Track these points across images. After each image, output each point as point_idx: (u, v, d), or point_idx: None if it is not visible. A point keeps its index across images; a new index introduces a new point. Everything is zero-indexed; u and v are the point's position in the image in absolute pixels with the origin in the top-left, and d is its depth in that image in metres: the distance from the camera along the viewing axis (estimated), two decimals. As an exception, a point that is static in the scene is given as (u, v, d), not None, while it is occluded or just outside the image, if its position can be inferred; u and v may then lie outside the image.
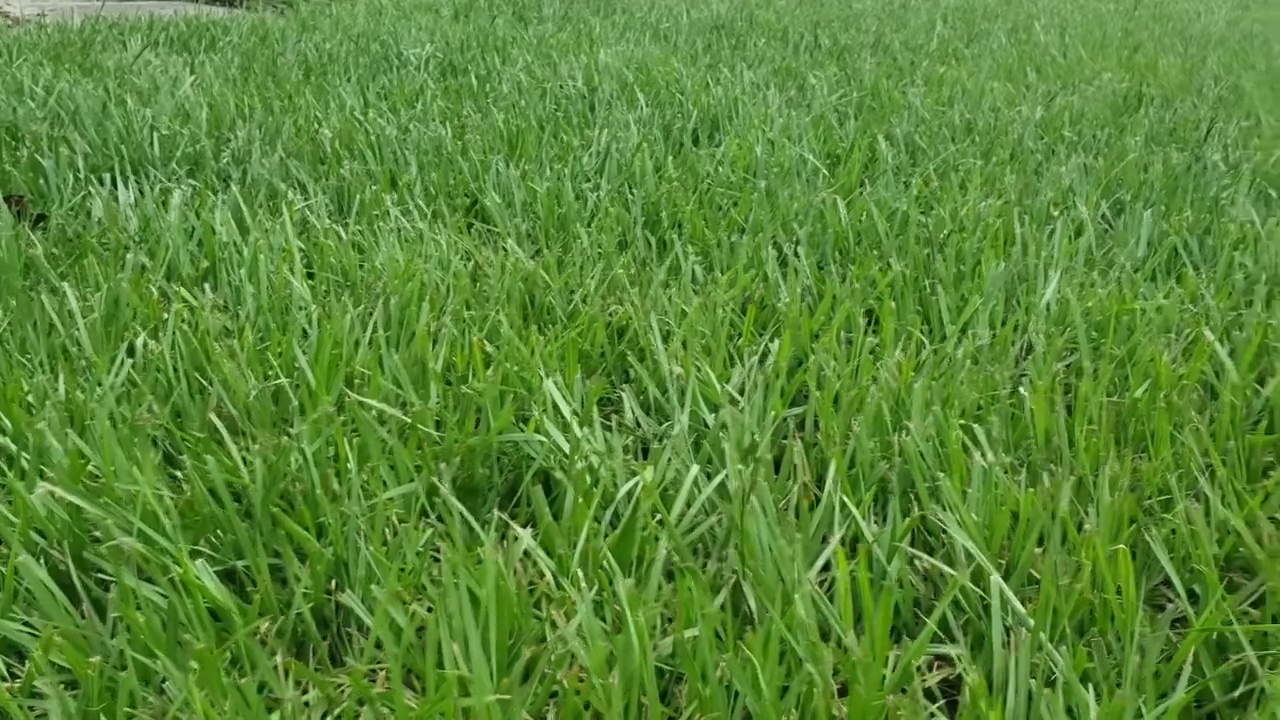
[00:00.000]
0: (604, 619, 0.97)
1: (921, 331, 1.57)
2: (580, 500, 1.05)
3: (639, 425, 1.35)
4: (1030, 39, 4.82)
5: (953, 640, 1.00)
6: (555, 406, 1.25)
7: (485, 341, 1.44)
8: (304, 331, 1.49)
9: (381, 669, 0.96)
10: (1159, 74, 3.86)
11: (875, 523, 1.12)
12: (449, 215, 1.97)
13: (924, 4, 6.18)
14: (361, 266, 1.70)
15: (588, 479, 1.13)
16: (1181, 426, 1.24)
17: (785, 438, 1.30)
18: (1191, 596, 1.05)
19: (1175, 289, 1.69)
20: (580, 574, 0.98)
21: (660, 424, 1.34)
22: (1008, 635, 0.95)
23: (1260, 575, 1.04)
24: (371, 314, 1.48)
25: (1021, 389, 1.31)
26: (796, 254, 1.77)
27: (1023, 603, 1.01)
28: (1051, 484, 1.10)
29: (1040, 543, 1.06)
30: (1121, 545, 0.96)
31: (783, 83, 3.37)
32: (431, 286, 1.58)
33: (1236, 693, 0.95)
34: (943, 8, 6.11)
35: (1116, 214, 2.16)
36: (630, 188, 2.16)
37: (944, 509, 1.08)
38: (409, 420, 1.19)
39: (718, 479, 1.14)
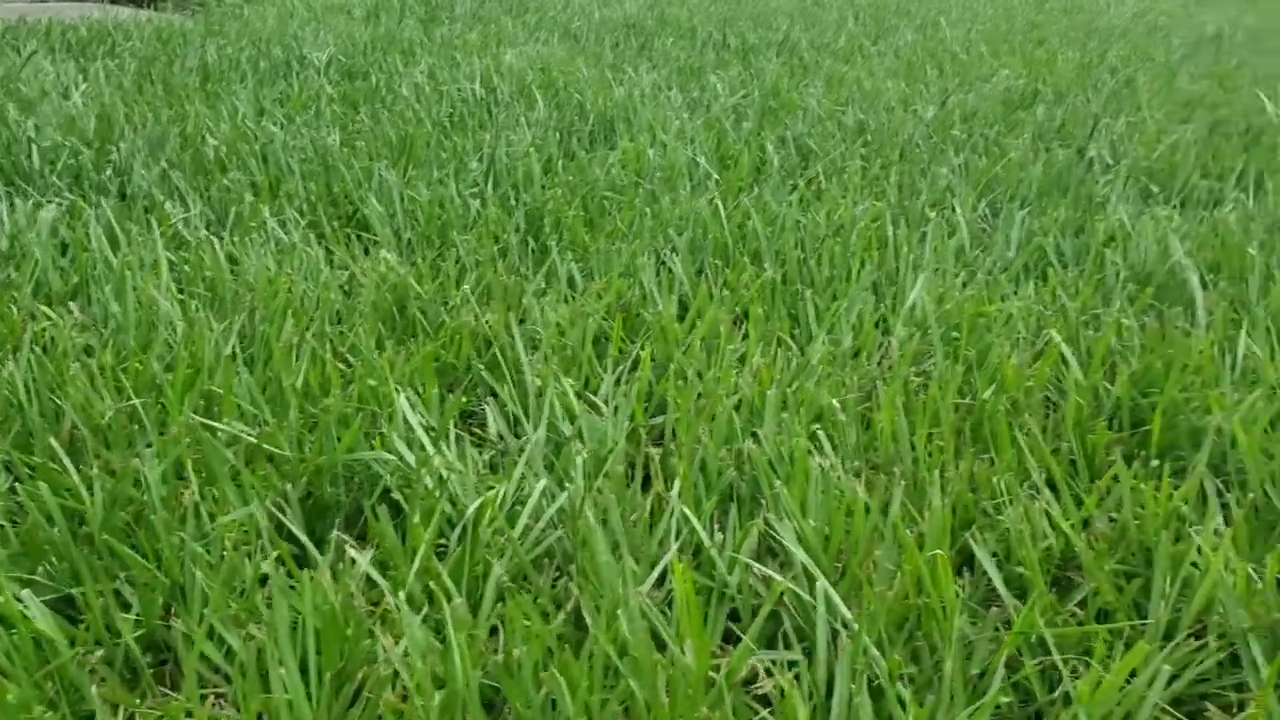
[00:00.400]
0: (441, 639, 0.97)
1: (792, 336, 1.60)
2: (417, 519, 1.05)
3: (501, 439, 1.35)
4: (937, 35, 4.88)
5: (788, 647, 1.01)
6: (407, 423, 1.25)
7: (348, 356, 1.43)
8: (168, 347, 1.47)
9: (217, 694, 0.96)
10: (1056, 70, 3.94)
11: (720, 531, 1.13)
12: (328, 225, 1.95)
13: (838, 0, 6.24)
14: (235, 279, 1.68)
15: (436, 495, 1.13)
16: (1023, 428, 1.27)
17: (653, 445, 1.31)
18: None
19: (1039, 288, 1.73)
20: (413, 594, 0.98)
21: (520, 437, 1.34)
22: (834, 640, 0.97)
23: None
24: (237, 330, 1.46)
25: (862, 395, 1.33)
26: (674, 259, 1.78)
27: (860, 607, 1.03)
28: (882, 487, 1.12)
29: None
30: (940, 551, 0.98)
31: (685, 83, 3.38)
32: (298, 300, 1.57)
33: (1055, 693, 0.98)
34: (856, 4, 6.17)
35: (996, 214, 2.20)
36: (517, 193, 2.16)
37: (780, 516, 1.10)
38: (256, 441, 1.18)
39: (565, 493, 1.14)
